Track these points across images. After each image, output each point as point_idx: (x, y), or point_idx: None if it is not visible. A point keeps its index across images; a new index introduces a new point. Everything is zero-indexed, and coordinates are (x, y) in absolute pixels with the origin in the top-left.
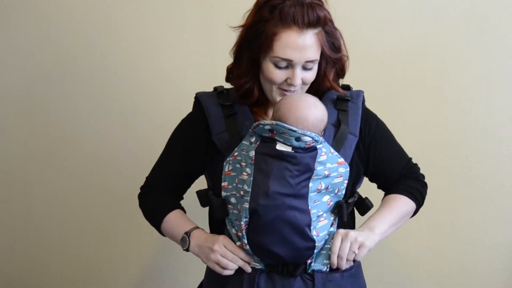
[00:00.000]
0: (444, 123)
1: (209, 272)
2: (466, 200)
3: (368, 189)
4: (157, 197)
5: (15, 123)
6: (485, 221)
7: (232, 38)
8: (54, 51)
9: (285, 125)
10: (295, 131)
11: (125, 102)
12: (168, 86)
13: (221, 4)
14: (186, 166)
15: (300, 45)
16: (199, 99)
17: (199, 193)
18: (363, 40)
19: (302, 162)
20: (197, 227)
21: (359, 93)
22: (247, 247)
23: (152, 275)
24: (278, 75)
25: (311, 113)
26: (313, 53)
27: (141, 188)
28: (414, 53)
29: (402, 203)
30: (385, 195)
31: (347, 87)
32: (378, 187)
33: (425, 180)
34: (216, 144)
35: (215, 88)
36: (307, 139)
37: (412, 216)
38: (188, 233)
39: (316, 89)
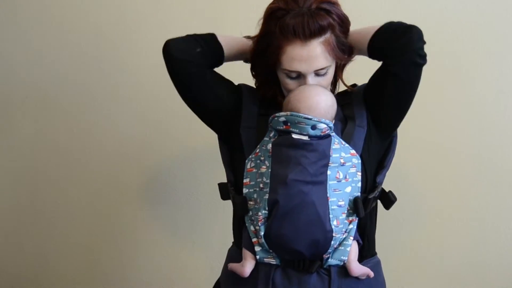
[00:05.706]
0: (456, 119)
1: (226, 269)
2: (478, 196)
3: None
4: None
5: (24, 119)
6: (497, 217)
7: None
8: (65, 46)
9: (300, 114)
10: (310, 118)
11: (137, 98)
12: None
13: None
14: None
15: (306, 57)
16: (242, 90)
17: (221, 186)
18: None
19: (318, 148)
20: None
21: (363, 84)
22: (263, 240)
23: (163, 274)
24: (293, 85)
25: (322, 99)
26: (322, 61)
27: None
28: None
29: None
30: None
31: (354, 86)
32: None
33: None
34: (240, 136)
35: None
36: (323, 126)
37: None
38: None
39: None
